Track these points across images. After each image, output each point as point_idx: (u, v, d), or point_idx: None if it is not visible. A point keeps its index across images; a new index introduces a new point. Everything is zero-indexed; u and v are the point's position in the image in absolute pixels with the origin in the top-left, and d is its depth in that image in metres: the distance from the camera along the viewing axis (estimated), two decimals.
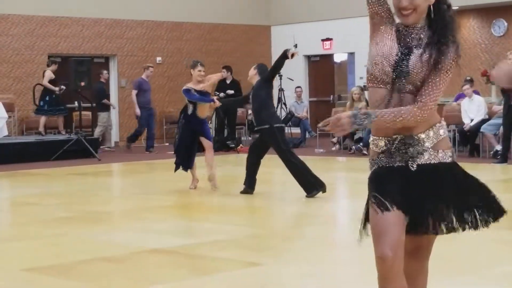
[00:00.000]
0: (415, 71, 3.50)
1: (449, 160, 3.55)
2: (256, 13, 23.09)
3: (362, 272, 6.11)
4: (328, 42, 22.33)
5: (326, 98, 22.27)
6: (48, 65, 18.42)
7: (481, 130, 15.07)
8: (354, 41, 21.47)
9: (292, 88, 19.98)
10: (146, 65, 18.74)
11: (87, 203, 10.31)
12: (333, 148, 17.53)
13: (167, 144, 19.68)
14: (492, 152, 14.77)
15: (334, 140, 17.58)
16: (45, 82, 17.97)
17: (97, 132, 18.61)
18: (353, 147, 16.83)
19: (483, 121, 15.20)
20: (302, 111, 19.72)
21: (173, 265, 6.45)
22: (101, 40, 20.44)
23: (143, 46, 21.18)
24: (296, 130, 19.21)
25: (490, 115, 15.37)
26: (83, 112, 17.93)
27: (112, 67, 20.91)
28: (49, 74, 18.05)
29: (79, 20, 20.06)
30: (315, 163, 16.00)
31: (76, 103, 17.89)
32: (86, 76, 17.18)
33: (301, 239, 7.67)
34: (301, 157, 16.24)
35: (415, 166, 3.51)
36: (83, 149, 16.51)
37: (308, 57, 23.00)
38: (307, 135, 19.52)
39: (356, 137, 17.39)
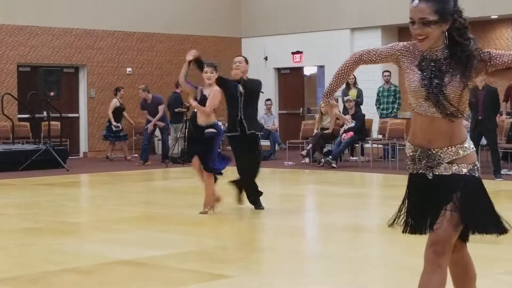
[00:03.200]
0: (449, 89, 3.89)
1: (462, 172, 3.94)
2: (226, 25, 23.13)
3: (330, 285, 6.12)
4: (298, 55, 22.41)
5: (295, 110, 22.34)
6: (114, 94, 19.06)
7: None
8: (324, 54, 21.58)
9: (262, 100, 20.00)
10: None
11: (54, 214, 10.24)
12: (303, 161, 17.57)
13: (136, 155, 19.61)
14: None
15: (304, 153, 17.62)
16: (109, 111, 18.89)
17: (171, 144, 18.44)
18: (322, 160, 16.87)
19: None
20: (272, 124, 19.76)
21: (141, 277, 6.41)
22: (71, 50, 20.35)
23: (113, 57, 21.11)
24: (266, 143, 19.23)
25: None
26: (52, 122, 17.82)
27: (82, 78, 20.81)
28: (114, 103, 18.79)
29: (49, 29, 19.96)
30: (284, 176, 16.08)
31: (45, 113, 17.78)
32: (55, 86, 17.10)
33: (270, 251, 7.67)
34: (271, 170, 16.38)
35: (431, 175, 3.99)
36: (51, 159, 16.41)
37: (278, 70, 23.07)
38: (277, 147, 19.55)
39: (325, 150, 17.46)
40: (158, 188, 14.22)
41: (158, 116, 18.17)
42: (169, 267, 6.76)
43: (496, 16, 19.00)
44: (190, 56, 9.76)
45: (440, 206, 3.91)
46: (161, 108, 18.20)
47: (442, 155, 3.96)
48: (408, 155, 4.09)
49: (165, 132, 18.58)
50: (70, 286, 6.12)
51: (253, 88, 10.00)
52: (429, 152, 3.97)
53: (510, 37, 19.35)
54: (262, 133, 10.06)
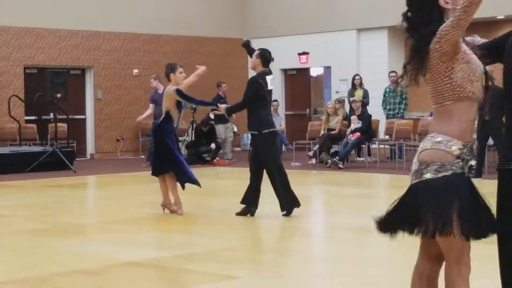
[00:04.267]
0: None
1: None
2: (233, 26, 23.14)
3: (338, 285, 6.12)
4: (304, 56, 22.40)
5: (302, 111, 22.33)
6: None
7: None
8: (331, 55, 21.57)
9: None
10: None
11: (61, 215, 10.25)
12: (310, 162, 17.55)
13: (143, 156, 19.62)
14: None
15: (311, 153, 17.60)
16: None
17: (214, 146, 18.23)
18: (329, 161, 16.86)
19: None
20: (278, 124, 19.75)
21: (148, 278, 6.42)
22: (77, 52, 20.37)
23: (120, 58, 21.13)
24: None
25: None
26: (59, 124, 17.84)
27: (88, 79, 20.84)
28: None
29: (56, 31, 19.99)
30: (291, 177, 16.00)
31: (51, 115, 17.80)
32: (62, 87, 17.11)
33: (278, 252, 7.66)
34: None
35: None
36: (58, 161, 16.43)
37: (285, 71, 23.06)
38: (284, 148, 19.54)
39: (332, 151, 17.44)
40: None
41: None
42: (177, 268, 6.76)
43: (503, 17, 18.97)
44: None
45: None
46: None
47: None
48: (457, 156, 3.72)
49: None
50: (76, 287, 6.12)
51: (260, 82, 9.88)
52: (474, 147, 3.76)
53: None
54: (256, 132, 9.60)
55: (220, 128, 18.62)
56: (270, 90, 9.75)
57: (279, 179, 9.49)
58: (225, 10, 22.98)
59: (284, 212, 9.46)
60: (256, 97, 9.60)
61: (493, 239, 3.87)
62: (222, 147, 18.69)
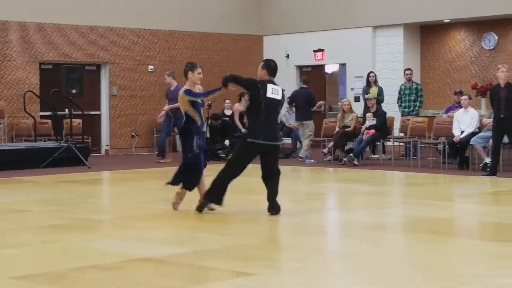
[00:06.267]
0: None
1: None
2: (248, 22, 23.14)
3: (354, 283, 6.11)
4: (320, 53, 22.39)
5: (317, 108, 22.28)
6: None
7: (471, 142, 15.12)
8: (346, 52, 21.56)
9: None
10: None
11: (77, 211, 10.29)
12: (324, 159, 17.54)
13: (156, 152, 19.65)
14: (481, 165, 14.82)
15: (325, 150, 17.60)
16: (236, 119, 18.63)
17: (306, 143, 18.01)
18: (344, 158, 16.84)
19: (473, 134, 15.26)
20: (293, 121, 19.73)
21: (164, 274, 6.43)
22: (92, 48, 20.43)
23: (135, 54, 21.18)
24: (288, 141, 19.21)
25: (480, 128, 15.44)
26: (74, 120, 17.90)
27: (104, 75, 20.90)
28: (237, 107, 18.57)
29: (71, 27, 20.05)
30: (306, 174, 16.06)
31: (66, 110, 17.84)
32: (77, 83, 17.16)
33: (293, 249, 7.66)
34: (292, 167, 16.36)
35: None
36: (73, 156, 16.49)
37: (300, 68, 23.05)
38: (298, 145, 19.52)
39: (346, 148, 17.43)
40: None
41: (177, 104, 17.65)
42: (192, 264, 6.77)
43: (448, 20, 19.00)
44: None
45: None
46: None
47: None
48: None
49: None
50: (93, 283, 6.14)
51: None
52: None
53: (463, 40, 19.32)
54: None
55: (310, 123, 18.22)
56: (271, 99, 9.51)
57: (223, 172, 9.55)
58: (240, 7, 22.98)
59: (205, 201, 9.62)
60: (251, 102, 9.57)
61: None
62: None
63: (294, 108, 18.73)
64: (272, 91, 9.52)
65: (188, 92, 9.65)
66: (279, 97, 9.59)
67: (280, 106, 9.71)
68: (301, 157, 17.85)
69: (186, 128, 9.78)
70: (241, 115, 18.25)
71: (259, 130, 9.45)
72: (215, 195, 9.61)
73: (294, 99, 18.48)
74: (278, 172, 9.70)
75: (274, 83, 9.65)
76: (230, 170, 9.63)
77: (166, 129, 17.97)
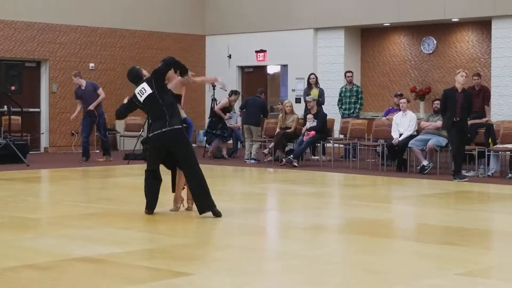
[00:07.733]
0: None
1: None
2: (191, 22, 23.11)
3: (289, 283, 6.18)
4: (261, 54, 22.47)
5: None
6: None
7: (409, 145, 15.36)
8: (288, 54, 21.67)
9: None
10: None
11: (14, 209, 10.18)
12: (265, 160, 17.63)
13: (97, 151, 19.53)
14: (419, 167, 15.07)
15: (266, 151, 17.69)
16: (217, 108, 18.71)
17: (255, 148, 18.00)
18: (284, 159, 16.94)
19: (411, 137, 15.49)
20: (235, 122, 19.77)
21: (101, 274, 6.41)
22: (33, 44, 20.20)
23: (76, 52, 20.99)
24: (229, 141, 19.25)
25: (418, 130, 15.68)
26: (13, 117, 17.68)
27: (44, 72, 20.66)
28: (224, 102, 18.66)
29: (11, 23, 19.79)
30: (246, 174, 16.11)
31: (5, 107, 17.63)
32: (17, 80, 16.96)
33: (230, 249, 7.70)
34: (233, 167, 16.40)
35: None
36: (12, 154, 16.28)
37: (242, 68, 23.10)
38: (239, 145, 19.58)
39: (287, 149, 17.54)
40: (119, 185, 14.17)
41: (100, 99, 17.36)
42: (129, 264, 6.76)
43: (457, 19, 19.24)
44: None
45: None
46: (100, 91, 17.44)
47: None
48: None
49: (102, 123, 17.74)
50: (28, 282, 6.10)
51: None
52: None
53: (471, 40, 19.62)
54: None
55: None
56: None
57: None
58: (183, 6, 22.94)
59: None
60: None
61: None
62: None
63: (244, 112, 18.79)
64: (138, 93, 9.70)
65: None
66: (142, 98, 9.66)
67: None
68: (247, 159, 17.95)
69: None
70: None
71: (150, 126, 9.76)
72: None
73: (246, 105, 18.65)
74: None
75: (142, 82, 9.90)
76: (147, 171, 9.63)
77: (87, 129, 17.65)
